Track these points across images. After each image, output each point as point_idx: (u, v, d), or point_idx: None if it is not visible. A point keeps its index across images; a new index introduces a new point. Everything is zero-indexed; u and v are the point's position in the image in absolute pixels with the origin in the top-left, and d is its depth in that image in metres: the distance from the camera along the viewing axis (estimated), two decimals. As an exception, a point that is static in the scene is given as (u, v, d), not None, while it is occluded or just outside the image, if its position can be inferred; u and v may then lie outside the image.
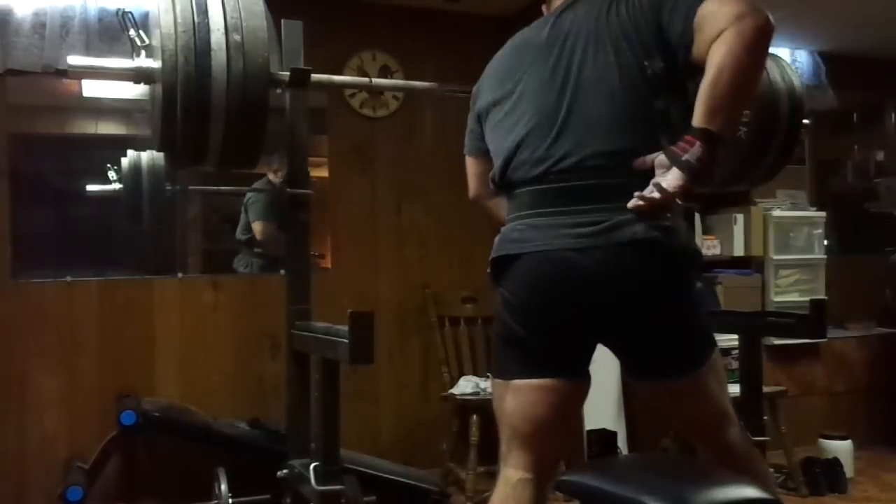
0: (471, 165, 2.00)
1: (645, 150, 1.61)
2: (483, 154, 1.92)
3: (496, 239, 1.79)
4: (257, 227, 3.93)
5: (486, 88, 1.90)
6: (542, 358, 1.71)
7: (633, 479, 1.58)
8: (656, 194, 1.55)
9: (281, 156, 3.57)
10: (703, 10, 1.55)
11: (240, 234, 3.99)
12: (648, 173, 1.60)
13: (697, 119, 1.53)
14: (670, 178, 1.54)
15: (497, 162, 1.81)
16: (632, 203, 1.58)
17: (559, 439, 1.82)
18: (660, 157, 1.57)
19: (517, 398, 1.73)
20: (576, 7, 1.74)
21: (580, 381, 1.75)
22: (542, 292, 1.68)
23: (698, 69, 1.56)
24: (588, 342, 1.76)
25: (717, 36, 1.50)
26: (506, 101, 1.80)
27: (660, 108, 1.64)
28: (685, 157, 1.53)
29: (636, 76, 1.63)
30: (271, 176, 3.89)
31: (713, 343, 1.77)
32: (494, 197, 1.92)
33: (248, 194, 3.96)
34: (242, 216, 3.97)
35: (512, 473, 1.75)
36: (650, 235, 1.59)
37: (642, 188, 1.58)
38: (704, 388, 1.75)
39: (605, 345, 1.77)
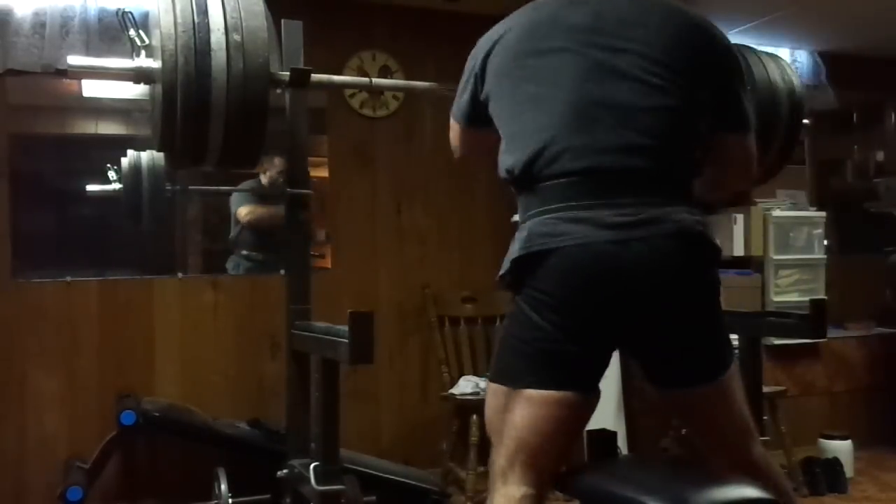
0: (465, 134, 1.88)
1: (677, 154, 1.65)
2: (482, 126, 1.80)
3: (520, 236, 1.64)
4: (242, 210, 3.91)
5: (500, 55, 1.74)
6: (564, 367, 1.62)
7: (633, 479, 1.58)
8: None
9: (268, 154, 3.58)
10: (739, 136, 1.79)
11: (231, 236, 4.00)
12: (683, 169, 1.67)
13: (710, 199, 1.84)
14: None
15: (519, 153, 1.66)
16: None
17: (564, 456, 1.72)
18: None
19: (529, 409, 1.62)
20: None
21: (593, 397, 1.69)
22: (580, 287, 1.58)
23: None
24: (615, 345, 1.71)
25: (736, 163, 1.84)
26: (530, 80, 1.68)
27: (692, 126, 1.69)
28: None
29: (681, 91, 1.65)
30: (262, 177, 3.90)
31: (732, 346, 1.77)
32: (485, 156, 1.84)
33: (234, 194, 3.97)
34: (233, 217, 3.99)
35: (515, 490, 1.63)
36: (695, 229, 1.61)
37: (681, 185, 1.66)
38: (732, 394, 1.72)
39: (636, 351, 1.74)
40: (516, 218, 1.74)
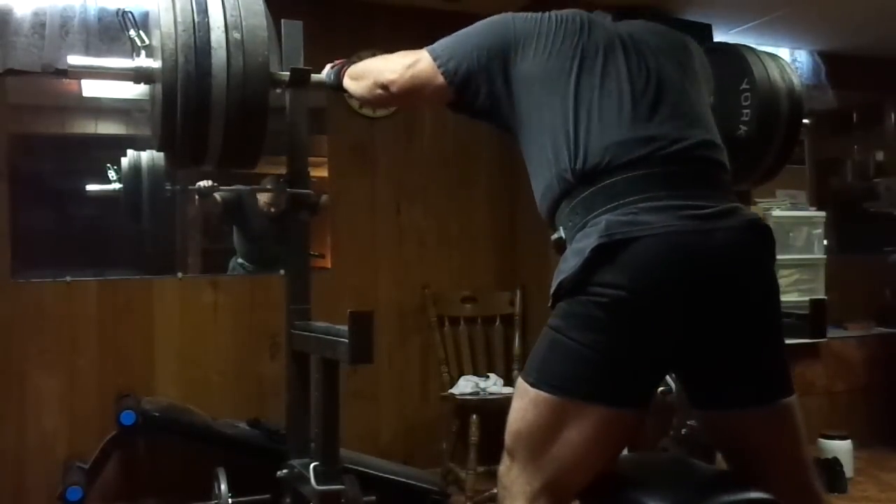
0: (439, 88, 1.79)
1: (725, 150, 1.68)
2: (461, 88, 1.78)
3: (593, 230, 1.51)
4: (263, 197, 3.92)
5: (535, 45, 1.71)
6: (632, 377, 1.50)
7: (633, 480, 1.58)
8: None
9: (270, 181, 3.60)
10: None
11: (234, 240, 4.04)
12: (728, 168, 1.66)
13: None
14: None
15: (581, 149, 1.58)
16: None
17: None
18: None
19: (590, 428, 1.48)
20: (634, 22, 1.76)
21: (646, 415, 1.56)
22: (663, 277, 1.47)
23: None
24: (681, 354, 1.55)
25: None
26: (579, 77, 1.63)
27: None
28: None
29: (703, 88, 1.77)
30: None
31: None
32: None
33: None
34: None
35: None
36: (764, 222, 1.61)
37: (728, 179, 1.65)
38: (798, 421, 1.60)
39: (703, 362, 1.56)
40: (558, 235, 1.64)
